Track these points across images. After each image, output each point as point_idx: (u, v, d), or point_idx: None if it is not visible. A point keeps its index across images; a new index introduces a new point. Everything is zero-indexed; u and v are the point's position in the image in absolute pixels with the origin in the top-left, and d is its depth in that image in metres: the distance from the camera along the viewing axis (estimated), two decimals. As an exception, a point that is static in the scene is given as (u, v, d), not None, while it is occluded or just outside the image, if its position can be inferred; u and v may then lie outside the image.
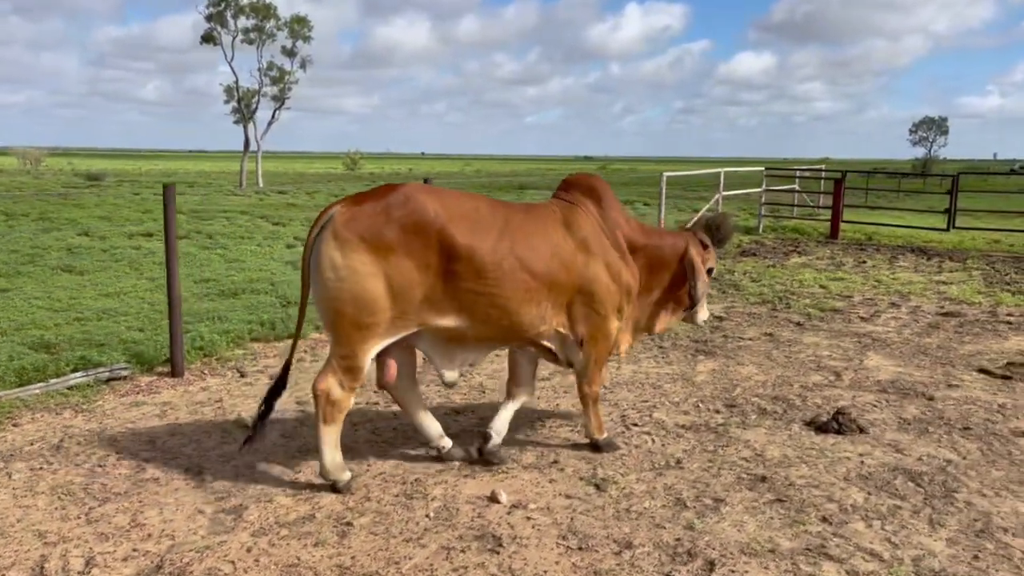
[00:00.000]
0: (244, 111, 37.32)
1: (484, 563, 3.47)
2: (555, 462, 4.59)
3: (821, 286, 10.55)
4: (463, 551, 3.57)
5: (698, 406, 5.62)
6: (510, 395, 4.76)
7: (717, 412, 5.50)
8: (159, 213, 19.16)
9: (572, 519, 3.88)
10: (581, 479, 4.35)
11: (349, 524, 3.78)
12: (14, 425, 5.01)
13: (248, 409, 5.38)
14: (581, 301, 4.36)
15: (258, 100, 37.23)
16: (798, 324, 8.30)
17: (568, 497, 4.13)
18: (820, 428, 5.16)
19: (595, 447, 4.74)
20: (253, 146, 38.54)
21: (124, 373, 5.91)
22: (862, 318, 8.63)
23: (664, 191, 13.48)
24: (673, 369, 6.56)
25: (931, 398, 5.83)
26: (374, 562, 3.46)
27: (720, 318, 8.54)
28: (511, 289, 4.09)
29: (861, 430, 5.11)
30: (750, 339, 7.64)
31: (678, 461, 4.62)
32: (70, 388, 5.62)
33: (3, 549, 3.51)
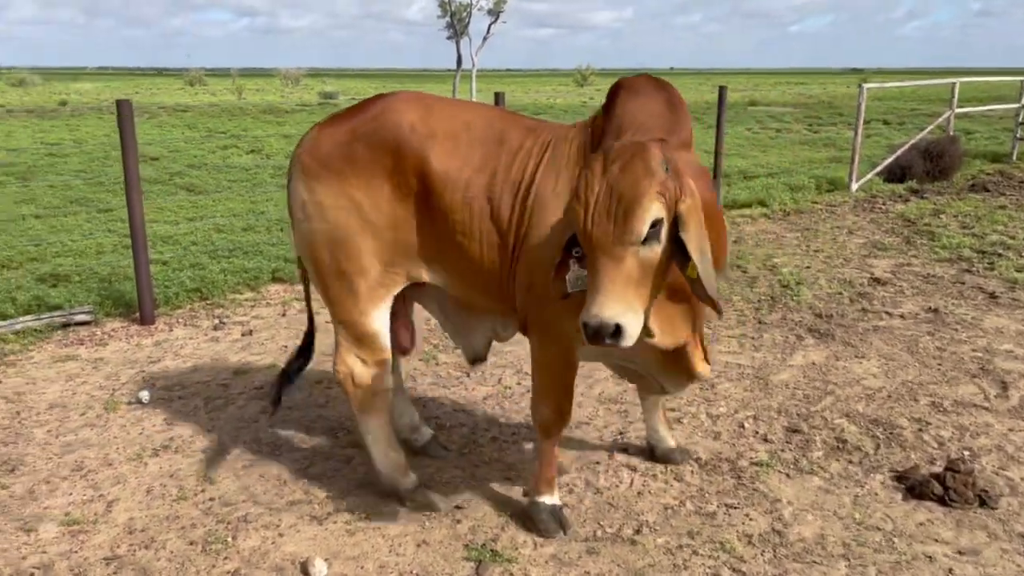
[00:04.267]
0: (457, 26, 36.85)
1: None
2: (459, 508, 3.17)
3: (1058, 239, 7.76)
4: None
5: (743, 426, 3.86)
6: (642, 397, 3.55)
7: (765, 440, 3.72)
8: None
9: (387, 627, 2.49)
10: (466, 546, 2.91)
11: (72, 590, 2.67)
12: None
13: (170, 379, 4.45)
14: (524, 263, 2.79)
15: (470, 14, 36.54)
16: (990, 296, 5.94)
17: (419, 579, 2.73)
18: (912, 490, 3.25)
19: (526, 515, 3.06)
20: (468, 63, 38.16)
21: (83, 318, 5.21)
22: (1097, 291, 6.05)
23: (863, 108, 10.79)
24: (755, 358, 4.74)
25: None
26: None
27: (877, 281, 6.35)
28: (477, 241, 2.86)
29: (983, 502, 3.14)
30: (901, 316, 5.50)
31: (638, 529, 3.01)
32: (16, 333, 4.99)
33: None
